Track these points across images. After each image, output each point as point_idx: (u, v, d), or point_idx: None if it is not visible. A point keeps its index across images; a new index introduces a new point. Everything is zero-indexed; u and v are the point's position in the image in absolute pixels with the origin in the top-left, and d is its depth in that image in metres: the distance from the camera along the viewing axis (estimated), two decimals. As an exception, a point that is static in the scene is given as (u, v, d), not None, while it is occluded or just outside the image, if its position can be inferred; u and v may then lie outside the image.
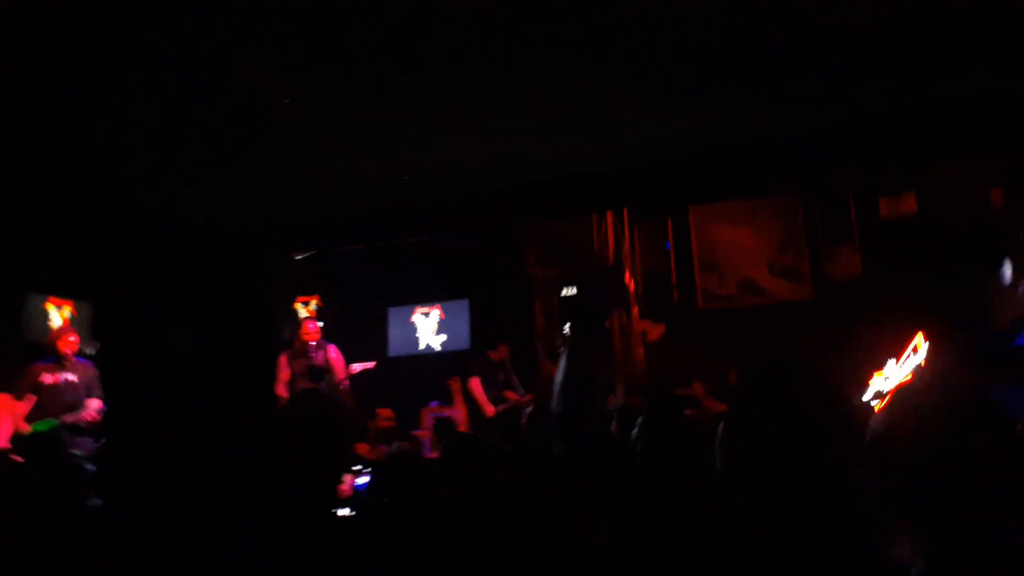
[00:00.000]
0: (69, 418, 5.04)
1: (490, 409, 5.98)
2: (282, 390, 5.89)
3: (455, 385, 6.14)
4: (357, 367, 6.27)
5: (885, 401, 2.85)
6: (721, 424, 1.60)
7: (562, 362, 2.82)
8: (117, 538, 1.87)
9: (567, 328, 3.80)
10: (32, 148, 4.90)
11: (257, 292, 6.40)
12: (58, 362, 5.24)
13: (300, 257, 6.64)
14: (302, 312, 8.02)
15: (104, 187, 5.65)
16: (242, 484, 2.17)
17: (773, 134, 5.53)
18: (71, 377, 5.24)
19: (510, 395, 6.27)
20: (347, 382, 6.20)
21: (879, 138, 5.69)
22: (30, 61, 3.68)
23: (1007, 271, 5.70)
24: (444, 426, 5.20)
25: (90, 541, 1.85)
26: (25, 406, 5.01)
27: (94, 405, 5.25)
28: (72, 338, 5.36)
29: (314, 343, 6.07)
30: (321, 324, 6.45)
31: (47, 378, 5.16)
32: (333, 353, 6.18)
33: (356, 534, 2.27)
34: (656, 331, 7.55)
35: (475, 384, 6.07)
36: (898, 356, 3.18)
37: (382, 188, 6.05)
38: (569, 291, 7.14)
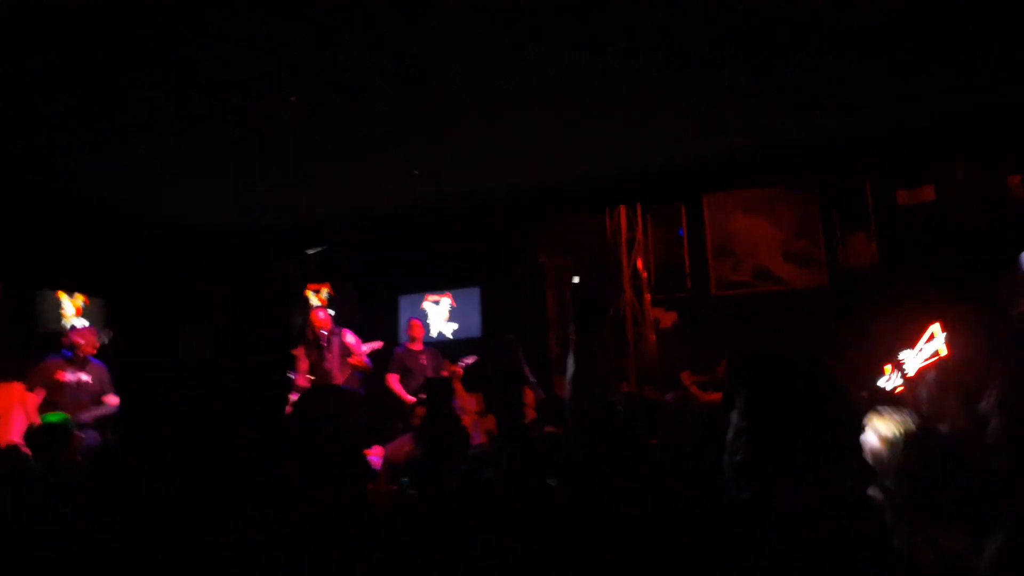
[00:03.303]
0: (85, 416, 4.99)
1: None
2: (303, 381, 5.91)
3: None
4: (366, 347, 6.25)
5: (906, 385, 2.79)
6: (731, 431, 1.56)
7: (570, 359, 2.80)
8: (119, 537, 1.86)
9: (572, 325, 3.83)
10: (49, 155, 4.94)
11: (267, 290, 6.49)
12: (74, 361, 5.23)
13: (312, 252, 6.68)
14: (313, 300, 8.04)
15: (115, 193, 5.72)
16: (255, 482, 2.15)
17: (791, 138, 5.46)
18: (85, 377, 5.25)
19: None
20: (368, 361, 6.20)
21: (896, 140, 5.59)
22: (36, 65, 3.66)
23: (1024, 259, 5.59)
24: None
25: (92, 539, 1.85)
26: (36, 399, 5.01)
27: (113, 401, 5.28)
28: (93, 339, 5.35)
29: (326, 331, 6.07)
30: (332, 312, 6.46)
31: (63, 376, 5.15)
32: (349, 337, 6.17)
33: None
34: (668, 318, 7.50)
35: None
36: (913, 344, 3.14)
37: (400, 193, 6.07)
38: (578, 280, 7.14)
